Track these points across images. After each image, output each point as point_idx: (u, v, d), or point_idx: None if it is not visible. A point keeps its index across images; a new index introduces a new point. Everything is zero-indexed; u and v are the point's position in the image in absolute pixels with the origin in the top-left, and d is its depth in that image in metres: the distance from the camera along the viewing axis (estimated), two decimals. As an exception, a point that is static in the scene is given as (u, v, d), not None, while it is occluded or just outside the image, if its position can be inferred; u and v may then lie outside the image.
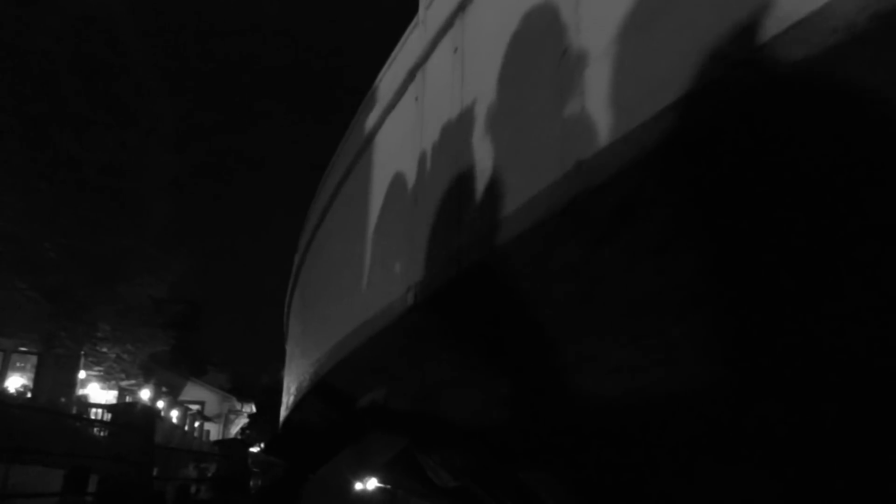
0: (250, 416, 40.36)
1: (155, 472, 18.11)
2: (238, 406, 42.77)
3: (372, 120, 3.99)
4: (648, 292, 2.31)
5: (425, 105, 3.32)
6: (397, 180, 3.47)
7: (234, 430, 39.70)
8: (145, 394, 26.52)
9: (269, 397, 38.55)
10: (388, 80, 3.86)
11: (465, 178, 2.77)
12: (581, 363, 2.89)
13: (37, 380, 21.27)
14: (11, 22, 19.79)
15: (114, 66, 21.12)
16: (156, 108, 22.69)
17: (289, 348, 7.37)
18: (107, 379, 24.63)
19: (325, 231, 4.93)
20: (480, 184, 2.64)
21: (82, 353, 22.06)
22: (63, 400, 20.88)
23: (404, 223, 3.29)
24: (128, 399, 24.87)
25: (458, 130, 2.92)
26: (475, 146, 2.75)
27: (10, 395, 21.09)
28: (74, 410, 20.93)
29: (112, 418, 18.02)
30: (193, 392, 36.68)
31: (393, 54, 3.87)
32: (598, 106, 2.09)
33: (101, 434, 18.37)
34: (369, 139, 4.04)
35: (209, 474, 25.88)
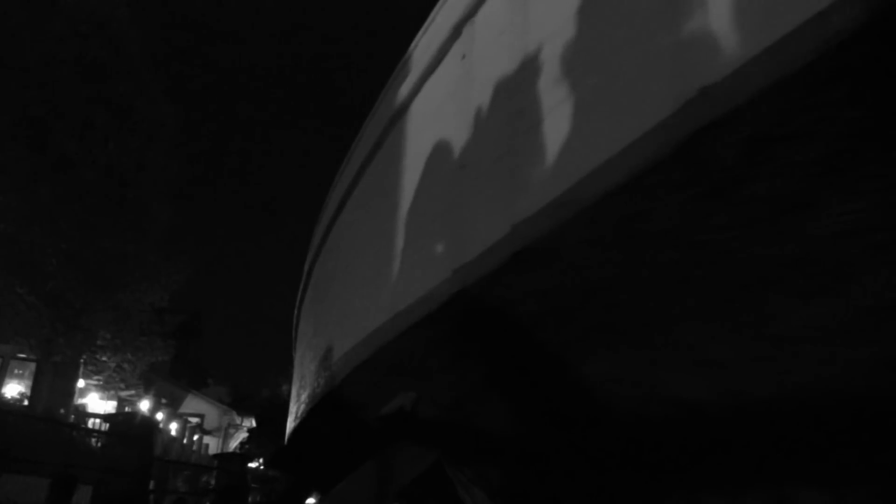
0: (250, 430, 39.74)
1: (152, 486, 17.57)
2: (238, 420, 42.13)
3: (405, 89, 3.54)
4: (781, 263, 1.84)
5: (474, 61, 2.86)
6: (438, 148, 3.01)
7: (234, 444, 39.05)
8: (144, 405, 25.93)
9: (269, 412, 37.95)
10: (426, 42, 3.40)
11: (530, 133, 2.30)
12: (670, 354, 2.41)
13: (34, 387, 20.73)
14: (16, 25, 19.52)
15: (116, 71, 20.80)
16: (158, 114, 22.34)
17: (298, 354, 6.88)
18: (106, 389, 24.05)
19: (345, 220, 4.47)
20: (553, 136, 2.17)
21: (81, 361, 21.52)
22: (62, 411, 20.35)
23: (448, 194, 2.82)
24: (127, 410, 24.29)
25: (519, 82, 2.46)
26: (543, 96, 2.29)
27: (6, 402, 20.60)
28: (72, 419, 20.39)
29: (110, 429, 17.47)
30: (193, 405, 36.04)
31: (431, 15, 3.41)
32: (726, 19, 1.63)
33: (98, 444, 17.82)
34: (401, 111, 3.58)
35: (208, 488, 25.33)
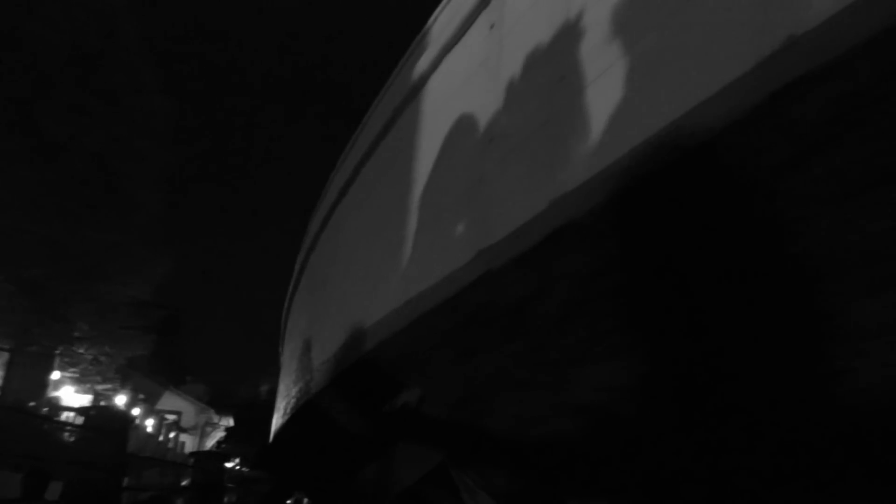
0: (227, 429, 39.30)
1: (126, 482, 17.18)
2: (215, 419, 41.64)
3: (423, 64, 3.32)
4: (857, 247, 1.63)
5: (505, 31, 2.65)
6: (461, 123, 2.79)
7: (210, 442, 38.55)
8: (121, 399, 25.43)
9: (247, 411, 37.54)
10: (448, 15, 3.19)
11: (574, 101, 2.09)
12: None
13: (6, 378, 20.23)
14: (11, 8, 19.12)
15: (110, 60, 20.42)
16: (151, 105, 21.97)
17: (288, 347, 6.61)
18: (82, 382, 23.56)
19: (348, 206, 4.23)
20: (602, 103, 1.96)
21: (57, 352, 21.06)
22: (33, 403, 19.87)
23: (471, 171, 2.60)
24: (102, 404, 23.79)
25: (560, 48, 2.25)
26: (589, 61, 2.08)
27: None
28: (45, 412, 19.92)
29: (84, 422, 17.03)
30: (171, 401, 35.51)
31: (455, -16, 3.20)
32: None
33: (71, 438, 17.36)
34: (417, 88, 3.36)
35: (184, 486, 24.86)
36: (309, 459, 5.53)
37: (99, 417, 17.21)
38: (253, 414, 37.38)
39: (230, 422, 39.96)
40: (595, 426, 2.83)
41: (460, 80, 2.93)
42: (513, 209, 2.26)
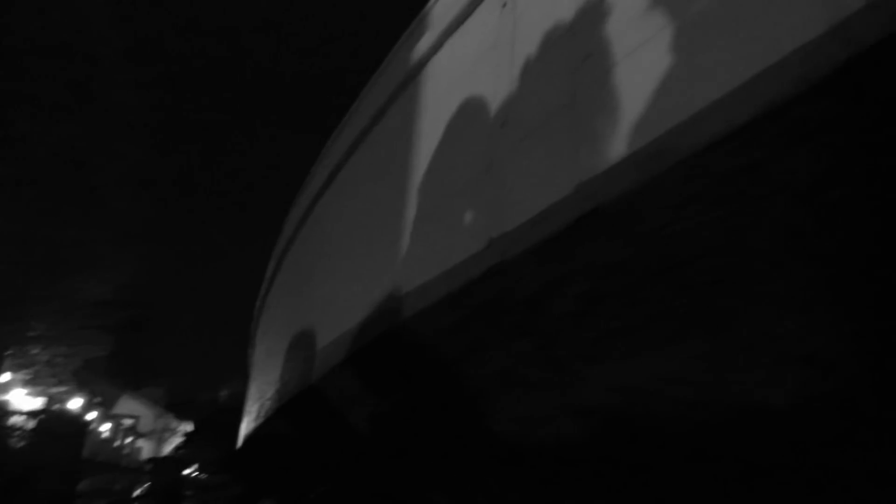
0: (186, 434, 38.46)
1: (79, 489, 16.65)
2: (174, 423, 40.72)
3: (423, 47, 3.16)
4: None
5: (520, 10, 2.50)
6: (469, 107, 2.63)
7: (168, 448, 37.67)
8: (76, 403, 24.66)
9: (207, 417, 36.75)
10: (451, -3, 3.04)
11: (602, 79, 1.94)
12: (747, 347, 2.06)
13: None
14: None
15: (81, 52, 19.83)
16: (124, 100, 21.38)
17: (261, 348, 6.37)
18: (35, 384, 22.81)
19: (333, 198, 4.04)
20: (636, 80, 1.82)
21: (8, 353, 20.33)
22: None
23: (481, 156, 2.44)
24: (56, 407, 23.03)
25: (585, 25, 2.10)
26: (620, 36, 1.94)
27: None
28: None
29: (36, 427, 16.45)
30: (128, 405, 34.57)
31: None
32: None
33: (21, 444, 16.72)
34: (416, 71, 3.20)
35: (138, 492, 24.24)
36: (283, 463, 5.31)
37: (51, 421, 16.65)
38: (214, 419, 36.63)
39: (189, 427, 39.13)
40: (603, 428, 2.69)
41: (467, 62, 2.78)
42: (531, 195, 2.11)
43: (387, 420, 3.05)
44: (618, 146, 1.81)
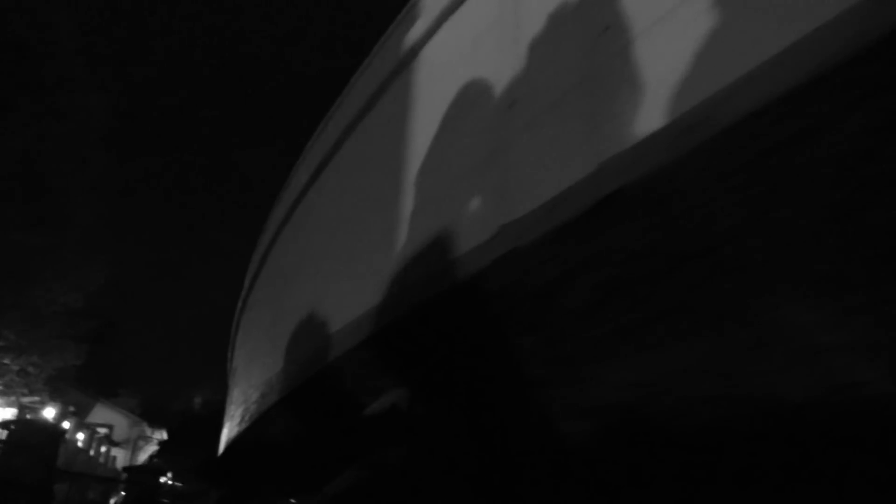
0: (161, 443, 37.93)
1: (55, 500, 16.24)
2: (149, 432, 40.11)
3: (418, 30, 3.02)
4: None
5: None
6: (472, 90, 2.49)
7: (143, 456, 37.08)
8: (49, 412, 24.09)
9: (181, 425, 36.28)
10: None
11: (624, 51, 1.82)
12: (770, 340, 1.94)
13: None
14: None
15: (40, 52, 19.37)
16: (86, 102, 20.94)
17: (243, 351, 6.17)
18: (6, 394, 22.24)
19: (323, 189, 3.88)
20: (665, 49, 1.70)
21: (-22, 363, 19.83)
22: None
23: (487, 141, 2.31)
24: (28, 417, 22.46)
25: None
26: (642, 6, 1.81)
27: None
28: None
29: (8, 437, 15.99)
30: (102, 414, 33.95)
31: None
32: None
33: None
34: (410, 56, 3.06)
35: (115, 502, 23.76)
36: (268, 469, 5.13)
37: (24, 432, 16.20)
38: (188, 427, 36.16)
39: (164, 435, 38.59)
40: (613, 428, 2.56)
41: (465, 45, 2.64)
42: (544, 178, 1.98)
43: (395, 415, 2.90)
44: (646, 121, 1.68)
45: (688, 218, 1.68)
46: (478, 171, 2.31)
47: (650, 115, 1.67)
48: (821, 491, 2.38)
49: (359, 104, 3.45)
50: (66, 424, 25.42)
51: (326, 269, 3.50)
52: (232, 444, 5.53)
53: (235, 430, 5.32)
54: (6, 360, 20.41)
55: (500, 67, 2.34)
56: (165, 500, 26.85)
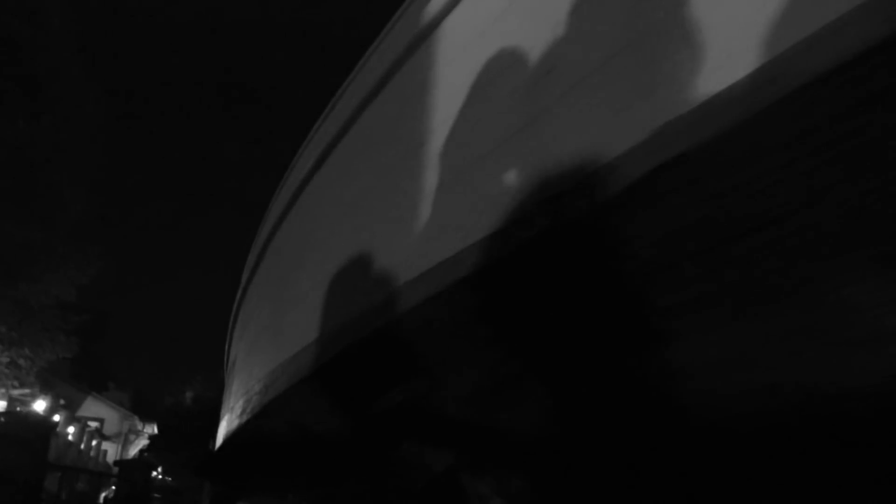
0: (151, 437, 37.80)
1: (45, 491, 16.08)
2: (140, 426, 39.93)
3: (434, 8, 2.85)
4: None
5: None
6: (500, 59, 2.33)
7: (134, 451, 36.91)
8: (40, 406, 23.84)
9: (172, 419, 36.13)
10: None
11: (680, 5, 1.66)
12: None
13: None
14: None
15: (30, 43, 19.06)
16: (76, 94, 20.64)
17: (239, 344, 6.01)
18: (-5, 387, 21.96)
19: (328, 174, 3.72)
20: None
21: (-33, 356, 19.53)
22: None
23: (519, 112, 2.15)
24: (20, 410, 22.20)
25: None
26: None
27: None
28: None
29: (-1, 429, 15.82)
30: (93, 408, 33.73)
31: None
32: None
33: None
34: (429, 29, 2.88)
35: (105, 496, 23.58)
36: (268, 464, 4.98)
37: (16, 425, 15.99)
38: (178, 422, 36.00)
39: (154, 429, 38.45)
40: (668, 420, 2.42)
41: (494, 11, 2.48)
42: (589, 147, 1.82)
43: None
44: (711, 79, 1.53)
45: (753, 185, 1.54)
46: (510, 144, 2.15)
47: (715, 74, 1.52)
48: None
49: (371, 82, 3.28)
50: (56, 418, 25.19)
51: (330, 264, 3.32)
52: (231, 437, 5.37)
53: (235, 423, 5.16)
54: (-4, 353, 20.14)
55: (536, 32, 2.18)
56: (157, 495, 26.69)
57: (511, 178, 2.09)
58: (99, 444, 34.30)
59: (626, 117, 1.73)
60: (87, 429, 32.08)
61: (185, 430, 32.42)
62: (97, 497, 23.08)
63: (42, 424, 17.04)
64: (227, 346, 7.83)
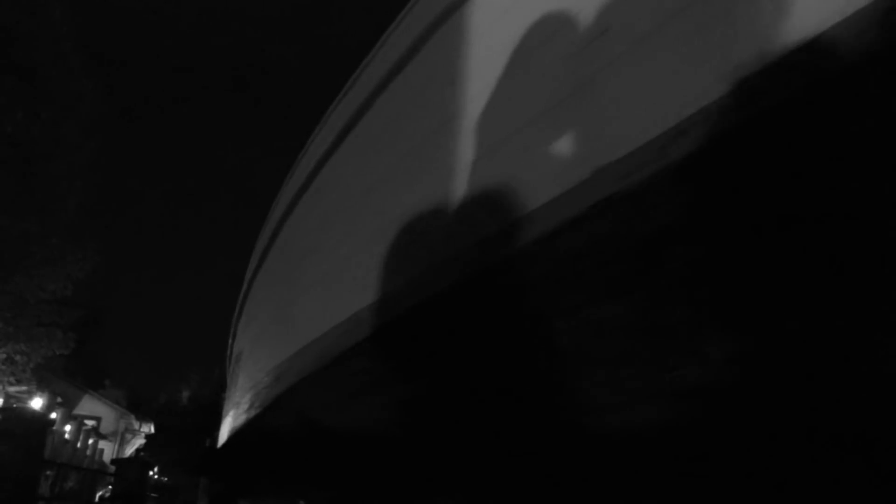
0: (147, 436, 37.61)
1: (41, 490, 15.89)
2: (136, 425, 39.72)
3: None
4: None
5: None
6: (546, 21, 2.17)
7: (130, 450, 36.70)
8: (37, 402, 23.60)
9: (168, 418, 35.97)
10: None
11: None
12: None
13: None
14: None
15: (30, 35, 18.86)
16: (76, 87, 20.43)
17: (248, 335, 5.85)
18: (-8, 384, 21.71)
19: (346, 155, 3.56)
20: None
21: (-38, 352, 19.28)
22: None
23: (568, 76, 1.99)
24: (16, 407, 21.96)
25: None
26: None
27: None
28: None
29: (-7, 427, 15.57)
30: (90, 406, 33.44)
31: None
32: None
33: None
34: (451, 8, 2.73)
35: (102, 495, 23.40)
36: (274, 461, 4.82)
37: (11, 421, 15.80)
38: (174, 420, 35.84)
39: (151, 428, 38.29)
40: (697, 413, 2.27)
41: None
42: (651, 112, 1.67)
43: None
44: (792, 30, 1.38)
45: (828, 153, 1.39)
46: (559, 112, 2.00)
47: (798, 24, 1.37)
48: None
49: (394, 57, 3.13)
50: (53, 415, 24.98)
51: (348, 247, 3.16)
52: (237, 433, 5.21)
53: (242, 418, 4.99)
54: (-9, 349, 19.92)
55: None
56: (153, 494, 26.50)
57: (560, 145, 1.94)
58: (95, 443, 34.04)
59: (688, 78, 1.58)
60: (84, 427, 31.83)
61: (181, 429, 32.27)
62: (93, 495, 22.88)
63: (38, 421, 16.84)
64: (230, 341, 7.67)
